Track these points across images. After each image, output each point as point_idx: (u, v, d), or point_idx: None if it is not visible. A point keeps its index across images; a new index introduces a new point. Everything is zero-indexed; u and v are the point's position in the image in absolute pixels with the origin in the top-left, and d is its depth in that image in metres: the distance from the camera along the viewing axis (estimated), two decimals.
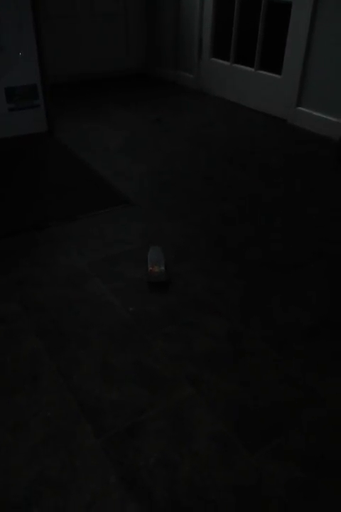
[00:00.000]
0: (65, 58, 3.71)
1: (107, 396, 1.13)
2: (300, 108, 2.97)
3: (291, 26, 2.91)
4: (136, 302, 1.46)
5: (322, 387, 1.18)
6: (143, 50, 4.20)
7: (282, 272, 1.63)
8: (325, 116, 2.81)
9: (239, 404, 1.13)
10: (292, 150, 2.71)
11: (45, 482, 0.94)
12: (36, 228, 1.85)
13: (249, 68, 3.32)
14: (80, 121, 3.05)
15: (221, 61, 3.54)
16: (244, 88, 3.38)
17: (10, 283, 1.52)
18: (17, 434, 1.03)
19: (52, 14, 3.51)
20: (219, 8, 3.44)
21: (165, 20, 3.87)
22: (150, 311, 1.43)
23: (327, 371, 1.23)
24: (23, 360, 1.23)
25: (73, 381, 1.17)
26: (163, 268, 1.55)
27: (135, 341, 1.31)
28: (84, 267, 1.63)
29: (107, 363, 1.23)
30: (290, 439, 1.05)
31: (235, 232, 1.87)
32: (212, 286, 1.55)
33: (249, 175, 2.37)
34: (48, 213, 1.96)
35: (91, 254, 1.70)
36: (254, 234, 1.86)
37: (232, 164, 2.49)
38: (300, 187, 2.26)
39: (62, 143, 2.67)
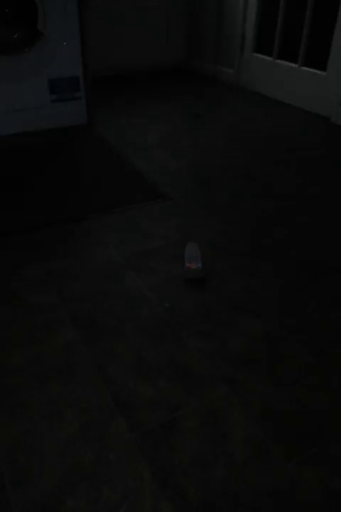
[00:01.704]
0: (105, 51, 3.74)
1: (142, 391, 1.13)
2: None
3: (339, 20, 2.81)
4: (172, 298, 1.45)
5: None
6: (184, 44, 4.17)
7: (321, 274, 1.58)
8: None
9: (275, 407, 1.11)
10: (334, 149, 2.62)
11: (79, 473, 0.94)
12: (73, 220, 1.87)
13: (292, 64, 3.24)
14: (119, 114, 3.06)
15: (263, 56, 3.47)
16: (287, 84, 3.30)
17: (47, 274, 1.54)
18: (53, 423, 1.05)
19: (93, 7, 3.53)
20: (263, 1, 3.37)
21: (207, 13, 3.82)
22: (186, 307, 1.42)
23: None
24: (60, 351, 1.24)
25: (108, 374, 1.17)
26: (200, 265, 1.53)
27: (170, 337, 1.30)
28: (120, 260, 1.63)
29: (142, 358, 1.22)
30: (329, 447, 1.01)
31: (273, 231, 1.82)
32: (248, 285, 1.52)
33: (289, 173, 2.31)
34: (85, 205, 1.98)
35: (127, 247, 1.70)
36: (293, 233, 1.81)
37: (272, 161, 2.44)
38: None
39: (101, 136, 2.69)
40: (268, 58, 3.42)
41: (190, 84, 3.82)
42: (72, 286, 1.49)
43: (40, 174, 2.23)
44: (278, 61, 3.35)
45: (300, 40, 3.11)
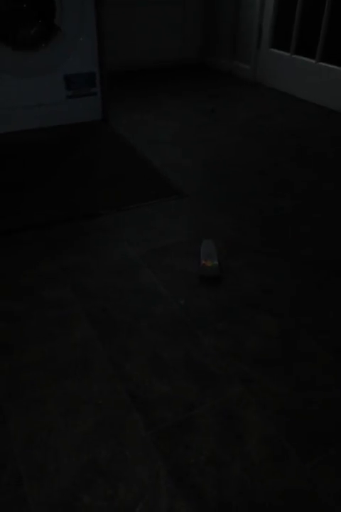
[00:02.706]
0: (120, 47, 3.72)
1: (157, 388, 1.12)
2: None
3: None
4: (187, 295, 1.44)
5: None
6: (200, 39, 4.14)
7: (338, 272, 1.56)
8: None
9: (292, 407, 1.09)
10: None
11: (95, 470, 0.94)
12: (87, 216, 1.87)
13: (310, 59, 3.19)
14: (134, 110, 3.05)
15: (280, 52, 3.42)
16: (304, 80, 3.25)
17: (61, 270, 1.55)
18: (68, 419, 1.05)
19: (110, 1, 3.51)
20: None
21: (224, 7, 3.78)
22: (201, 305, 1.41)
23: None
24: (75, 346, 1.24)
25: (124, 370, 1.17)
26: (216, 262, 1.52)
27: (185, 335, 1.29)
28: (135, 256, 1.62)
29: (157, 355, 1.22)
30: None
31: (289, 229, 1.80)
32: (264, 283, 1.50)
33: (305, 170, 2.28)
34: (100, 202, 1.97)
35: (141, 244, 1.69)
36: (310, 231, 1.79)
37: (288, 158, 2.41)
38: None
39: (116, 132, 2.69)
40: (286, 54, 3.37)
41: (206, 80, 3.79)
42: (87, 283, 1.49)
43: (55, 170, 2.23)
44: (296, 56, 3.31)
45: (318, 36, 3.06)
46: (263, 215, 1.89)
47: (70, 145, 2.51)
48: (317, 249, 1.68)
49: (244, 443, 1.01)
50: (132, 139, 2.58)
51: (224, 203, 1.98)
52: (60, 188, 2.07)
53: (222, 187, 2.11)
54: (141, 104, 3.18)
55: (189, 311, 1.38)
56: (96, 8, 2.48)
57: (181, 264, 1.59)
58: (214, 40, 4.01)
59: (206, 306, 1.41)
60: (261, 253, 1.66)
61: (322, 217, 1.88)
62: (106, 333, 1.29)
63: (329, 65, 3.06)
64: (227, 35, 3.83)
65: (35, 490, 0.91)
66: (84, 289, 1.46)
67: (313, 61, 3.16)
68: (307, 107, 3.16)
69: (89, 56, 2.59)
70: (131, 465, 0.95)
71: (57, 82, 2.58)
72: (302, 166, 2.32)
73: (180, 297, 1.43)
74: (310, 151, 2.50)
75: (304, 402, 1.11)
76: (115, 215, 1.88)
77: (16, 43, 2.40)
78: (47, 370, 1.17)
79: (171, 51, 4.06)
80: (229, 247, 1.68)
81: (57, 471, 0.94)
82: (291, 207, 1.95)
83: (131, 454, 0.97)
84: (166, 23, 3.92)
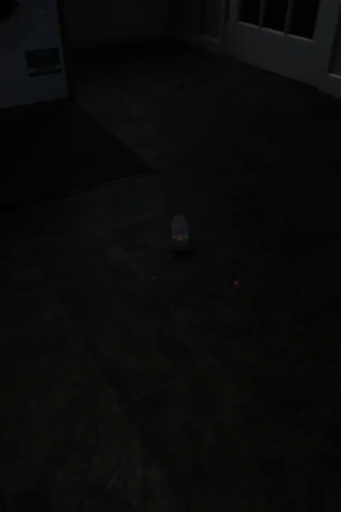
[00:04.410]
0: (86, 24, 3.62)
1: (130, 363, 1.13)
2: (332, 75, 2.83)
3: None
4: (159, 271, 1.44)
5: None
6: (167, 14, 4.06)
7: (308, 244, 1.58)
8: None
9: (264, 375, 1.11)
10: (321, 118, 2.60)
11: (69, 445, 0.95)
12: (58, 196, 1.83)
13: (278, 32, 3.18)
14: (102, 87, 2.99)
15: (249, 25, 3.40)
16: (273, 53, 3.25)
17: (32, 250, 1.52)
18: (41, 398, 1.04)
19: None
20: None
21: None
22: (174, 280, 1.41)
23: None
24: (47, 326, 1.23)
25: (96, 348, 1.17)
26: (186, 237, 1.52)
27: (158, 310, 1.30)
28: (107, 235, 1.61)
29: (130, 331, 1.22)
30: (318, 412, 1.03)
31: (261, 203, 1.81)
32: (237, 257, 1.52)
33: (276, 144, 2.29)
34: (70, 181, 1.94)
35: (113, 222, 1.68)
36: (280, 204, 1.80)
37: (258, 132, 2.41)
38: (329, 156, 2.17)
39: (84, 110, 2.63)
40: (254, 26, 3.35)
41: (175, 56, 3.74)
42: (58, 263, 1.47)
43: (22, 150, 2.18)
44: (264, 29, 3.29)
45: (286, 7, 3.04)
46: (235, 190, 1.90)
47: (36, 124, 2.44)
48: (287, 222, 1.70)
49: (217, 411, 1.03)
50: (101, 117, 2.53)
51: (197, 178, 1.97)
52: (27, 169, 2.02)
53: (194, 163, 2.10)
54: (110, 81, 3.11)
55: (161, 286, 1.38)
56: None
57: (153, 240, 1.58)
58: (182, 15, 3.94)
59: (178, 281, 1.41)
60: (233, 227, 1.67)
61: (292, 190, 1.90)
62: (78, 312, 1.28)
63: (298, 37, 3.05)
64: (195, 9, 3.77)
65: (8, 469, 0.91)
66: (55, 269, 1.44)
67: (282, 33, 3.15)
68: (277, 80, 3.16)
69: (50, 31, 2.50)
70: (105, 439, 0.96)
71: (19, 60, 2.48)
72: (273, 140, 2.33)
73: (153, 274, 1.43)
74: (281, 125, 2.51)
75: (276, 370, 1.13)
76: (86, 194, 1.85)
77: None
78: (19, 351, 1.16)
79: (139, 27, 3.98)
80: (201, 222, 1.69)
81: (31, 450, 0.94)
82: (262, 180, 1.96)
83: (105, 429, 0.98)
84: None
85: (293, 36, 3.09)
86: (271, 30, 3.24)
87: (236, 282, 1.37)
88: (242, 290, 1.35)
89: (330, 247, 1.57)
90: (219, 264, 1.48)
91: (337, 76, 2.80)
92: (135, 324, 1.24)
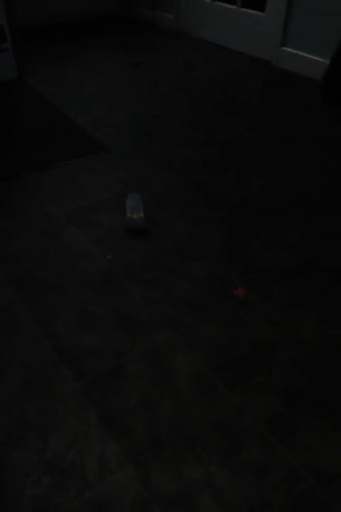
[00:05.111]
0: (35, 1, 3.49)
1: (86, 342, 1.13)
2: (284, 48, 2.86)
3: None
4: (115, 250, 1.44)
5: (303, 325, 1.19)
6: None
7: (264, 216, 1.62)
8: (310, 57, 2.72)
9: (219, 345, 1.14)
10: (276, 92, 2.63)
11: (25, 426, 0.94)
12: (9, 179, 1.78)
13: (231, 6, 3.17)
14: (53, 66, 2.90)
15: None
16: (227, 28, 3.24)
17: None
18: None
19: None
20: None
21: None
22: (129, 258, 1.41)
23: (307, 310, 1.24)
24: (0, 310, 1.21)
25: (51, 329, 1.16)
26: (141, 215, 1.52)
27: (113, 288, 1.29)
28: (61, 216, 1.58)
29: (85, 310, 1.22)
30: (270, 376, 1.06)
31: (217, 178, 1.83)
32: (194, 233, 1.53)
33: (232, 119, 2.30)
34: (20, 163, 1.89)
35: (67, 203, 1.65)
36: (237, 179, 1.82)
37: (214, 108, 2.41)
38: (284, 129, 2.21)
39: (35, 90, 2.55)
40: (207, 1, 3.32)
41: (128, 32, 3.66)
42: (10, 246, 1.44)
43: None
44: (217, 3, 3.27)
45: None
46: (192, 167, 1.90)
47: None
48: (244, 196, 1.72)
49: (173, 382, 1.04)
50: (54, 96, 2.47)
51: (153, 156, 1.96)
52: None
53: (150, 141, 2.08)
54: (62, 60, 3.02)
55: (117, 265, 1.38)
56: None
57: (108, 220, 1.57)
58: None
59: (134, 258, 1.41)
60: (190, 204, 1.68)
61: (249, 165, 1.92)
62: (32, 295, 1.26)
63: (251, 11, 3.05)
64: None
65: None
66: (7, 252, 1.41)
67: (235, 7, 3.14)
68: (231, 55, 3.16)
69: None
70: (62, 417, 0.96)
71: None
72: (229, 115, 2.34)
73: (108, 253, 1.42)
74: (236, 100, 2.52)
75: (231, 339, 1.16)
76: (39, 176, 1.81)
77: None
78: None
79: (91, 3, 3.87)
80: (157, 200, 1.68)
81: None
82: (219, 156, 1.97)
83: (61, 407, 0.98)
84: None
85: (246, 10, 3.09)
86: (224, 4, 3.22)
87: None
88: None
89: (285, 218, 1.60)
90: (175, 240, 1.49)
91: (290, 50, 2.83)
92: (91, 303, 1.24)
